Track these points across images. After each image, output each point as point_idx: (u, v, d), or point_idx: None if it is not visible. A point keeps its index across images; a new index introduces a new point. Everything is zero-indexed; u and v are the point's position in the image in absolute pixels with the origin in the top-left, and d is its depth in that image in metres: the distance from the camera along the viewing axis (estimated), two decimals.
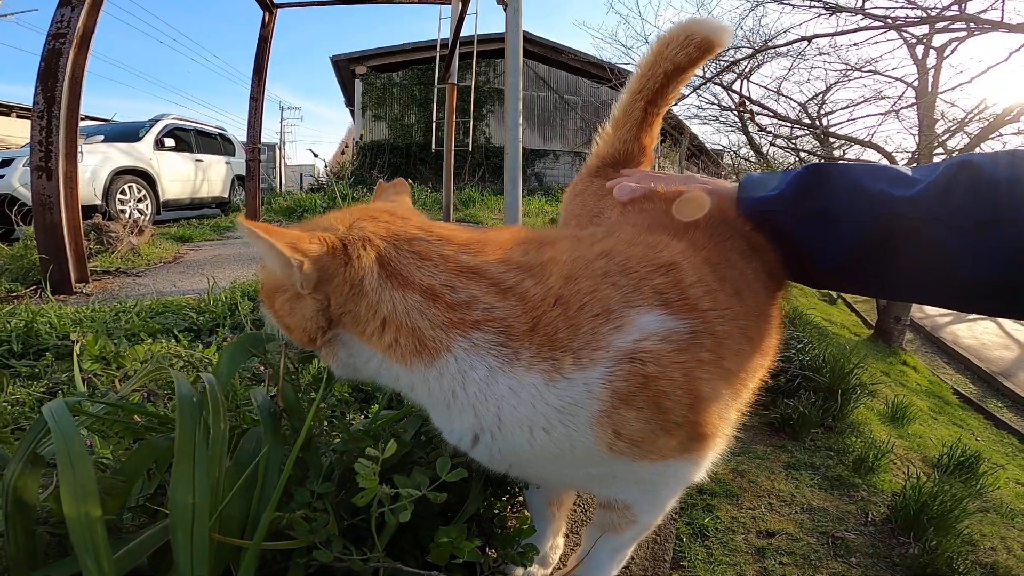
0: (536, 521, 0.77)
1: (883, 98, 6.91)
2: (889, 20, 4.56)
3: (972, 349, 7.43)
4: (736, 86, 7.47)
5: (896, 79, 6.39)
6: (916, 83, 5.94)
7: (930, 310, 10.39)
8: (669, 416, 0.51)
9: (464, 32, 6.11)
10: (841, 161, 8.63)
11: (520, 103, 3.41)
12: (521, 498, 0.86)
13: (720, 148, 18.01)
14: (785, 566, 1.24)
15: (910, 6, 4.46)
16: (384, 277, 0.51)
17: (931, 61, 5.70)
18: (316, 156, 5.95)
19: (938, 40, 5.33)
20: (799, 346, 2.48)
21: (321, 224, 0.56)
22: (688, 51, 0.79)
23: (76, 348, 1.31)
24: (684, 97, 7.77)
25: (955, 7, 4.15)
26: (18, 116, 16.59)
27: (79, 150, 5.26)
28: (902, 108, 6.45)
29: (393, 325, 0.50)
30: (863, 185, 0.56)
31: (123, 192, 5.84)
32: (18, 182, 4.95)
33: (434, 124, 7.15)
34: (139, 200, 6.13)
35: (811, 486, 1.65)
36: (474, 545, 0.60)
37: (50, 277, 2.54)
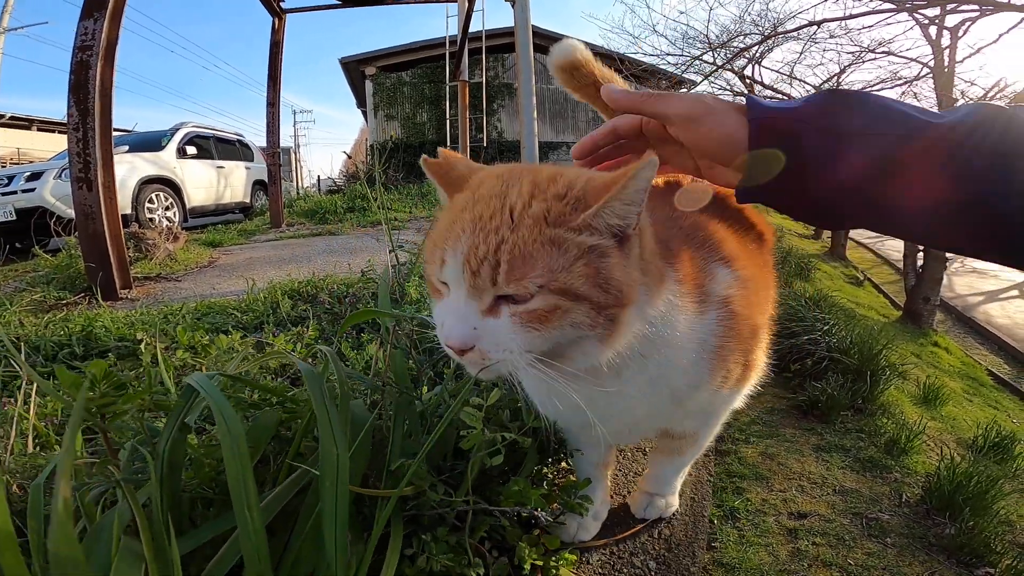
0: (588, 476, 0.86)
1: (899, 79, 6.78)
2: (900, 2, 4.47)
3: (1005, 329, 7.25)
4: (748, 71, 7.40)
5: (911, 59, 6.25)
6: (932, 63, 5.81)
7: (960, 289, 10.12)
8: (742, 344, 0.69)
9: (471, 28, 6.15)
10: None
11: (533, 98, 3.45)
12: (564, 464, 0.93)
13: None
14: (818, 546, 1.24)
15: None
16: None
17: (945, 41, 5.57)
18: (349, 157, 6.07)
19: (951, 20, 5.21)
20: (825, 328, 2.47)
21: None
22: (572, 77, 0.87)
23: (142, 347, 1.40)
24: (696, 85, 7.70)
25: None
26: (39, 129, 17.02)
27: None
28: (918, 87, 6.32)
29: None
30: (888, 105, 0.53)
31: (151, 201, 6.01)
32: (49, 194, 5.08)
33: (448, 121, 7.21)
34: (167, 208, 6.29)
35: (842, 468, 1.64)
36: (539, 493, 0.71)
37: (99, 282, 2.66)
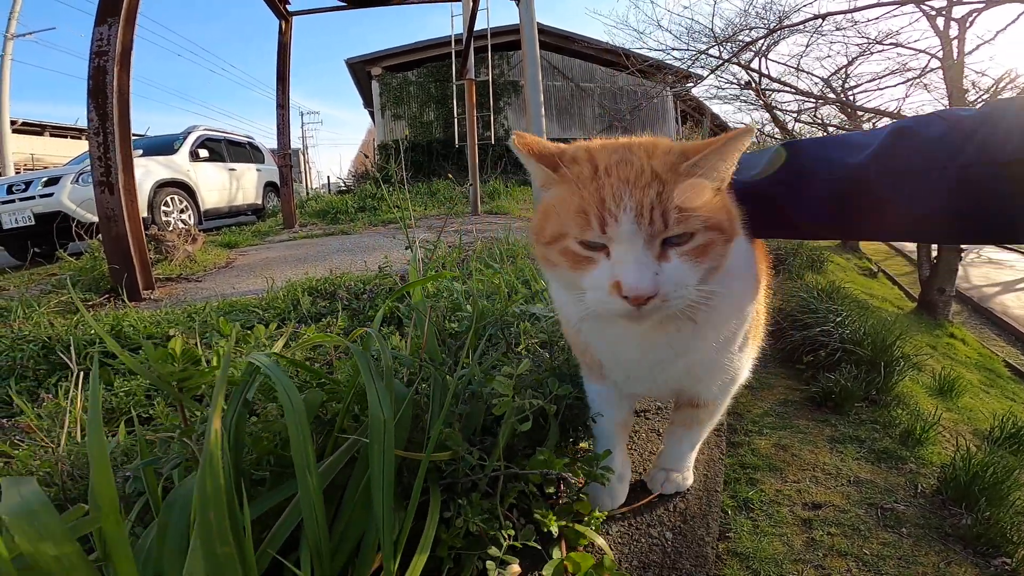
0: (608, 444, 0.90)
1: (908, 70, 6.71)
2: None
3: (1022, 320, 7.15)
4: (754, 64, 7.34)
5: (919, 51, 6.18)
6: (940, 54, 5.74)
7: (976, 280, 9.99)
8: (757, 308, 0.80)
9: (477, 27, 6.18)
10: None
11: (540, 95, 3.46)
12: (584, 445, 1.01)
13: (743, 126, 17.54)
14: (833, 536, 1.25)
15: None
16: None
17: (953, 32, 5.50)
18: (367, 156, 6.16)
19: (958, 11, 5.14)
20: (838, 319, 2.46)
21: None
22: None
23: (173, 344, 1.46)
24: (703, 78, 7.66)
25: None
26: (51, 135, 17.23)
27: None
28: (928, 81, 6.25)
29: None
30: (826, 154, 0.72)
31: (166, 204, 6.09)
32: (68, 199, 5.16)
33: (455, 120, 7.23)
34: (182, 211, 6.37)
35: (857, 459, 1.64)
36: (564, 461, 0.76)
37: (121, 286, 2.73)
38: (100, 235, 2.82)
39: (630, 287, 0.57)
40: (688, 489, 1.01)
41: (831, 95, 8.02)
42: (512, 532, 0.69)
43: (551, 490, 0.83)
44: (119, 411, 1.34)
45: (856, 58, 7.18)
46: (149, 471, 0.64)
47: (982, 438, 2.23)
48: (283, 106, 5.82)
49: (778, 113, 9.94)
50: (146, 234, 3.50)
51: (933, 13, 5.31)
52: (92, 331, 1.89)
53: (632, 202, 0.58)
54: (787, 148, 0.77)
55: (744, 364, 0.84)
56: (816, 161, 0.72)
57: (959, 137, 0.59)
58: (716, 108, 13.43)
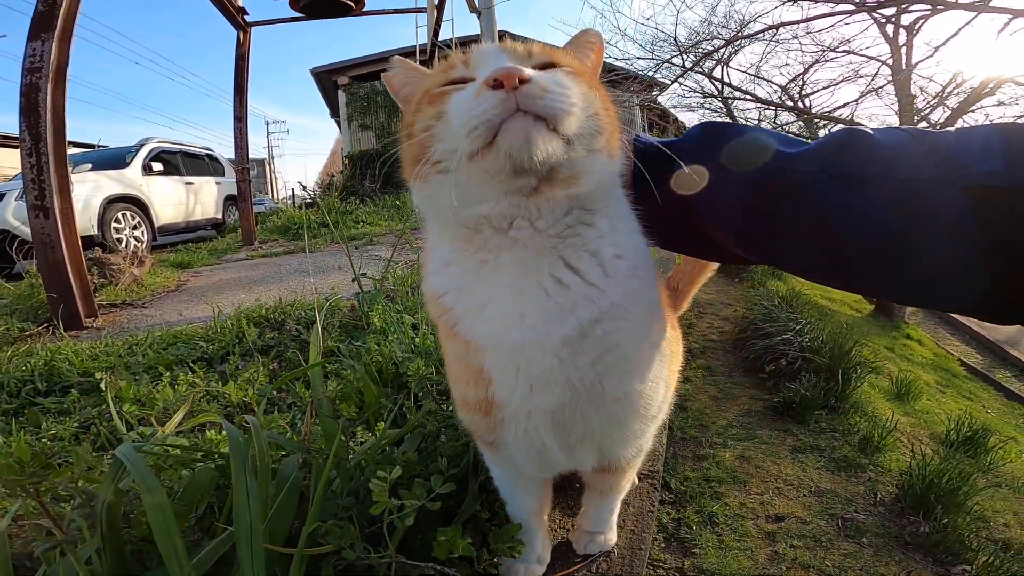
0: (525, 532, 0.83)
1: (861, 76, 6.99)
2: (857, 3, 4.63)
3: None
4: (716, 72, 7.54)
5: (870, 58, 6.46)
6: (891, 61, 6.01)
7: None
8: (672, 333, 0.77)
9: (442, 36, 6.15)
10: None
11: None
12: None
13: None
14: (796, 549, 1.26)
15: None
16: None
17: (902, 39, 5.77)
18: (304, 188, 6.02)
19: (907, 19, 5.41)
20: (797, 327, 2.50)
21: None
22: None
23: (103, 385, 1.37)
24: (668, 86, 7.82)
25: None
26: (1, 145, 16.34)
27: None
28: (879, 86, 6.53)
29: None
30: (756, 137, 0.59)
31: (117, 220, 5.84)
32: (12, 216, 4.91)
33: None
34: (134, 227, 6.13)
35: (818, 468, 1.66)
36: (467, 542, 0.72)
37: (60, 314, 2.57)
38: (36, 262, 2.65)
39: (501, 68, 0.49)
40: (612, 548, 0.98)
41: (788, 102, 8.30)
42: None
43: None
44: (45, 455, 1.24)
45: (811, 65, 7.46)
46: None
47: (939, 442, 2.28)
48: (240, 119, 5.66)
49: (740, 120, 10.25)
50: (89, 258, 3.32)
51: (883, 20, 5.54)
52: (25, 368, 1.77)
53: (495, 45, 0.59)
54: (712, 125, 0.65)
55: (659, 415, 0.73)
56: (746, 144, 0.59)
57: (935, 150, 0.47)
58: (682, 116, 13.77)
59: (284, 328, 2.11)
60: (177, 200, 7.17)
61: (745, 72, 7.85)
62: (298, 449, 0.78)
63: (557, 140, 0.50)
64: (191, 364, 1.85)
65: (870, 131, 0.52)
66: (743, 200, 0.57)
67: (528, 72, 0.49)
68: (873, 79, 6.72)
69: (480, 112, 0.48)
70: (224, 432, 0.78)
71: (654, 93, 8.31)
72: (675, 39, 7.00)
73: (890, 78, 6.17)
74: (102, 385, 1.43)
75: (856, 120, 7.10)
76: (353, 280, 2.21)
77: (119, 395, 1.37)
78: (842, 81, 7.64)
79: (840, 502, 1.49)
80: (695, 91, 8.51)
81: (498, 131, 0.49)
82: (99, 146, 8.72)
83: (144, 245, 6.18)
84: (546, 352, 0.56)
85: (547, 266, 0.56)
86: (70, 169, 5.85)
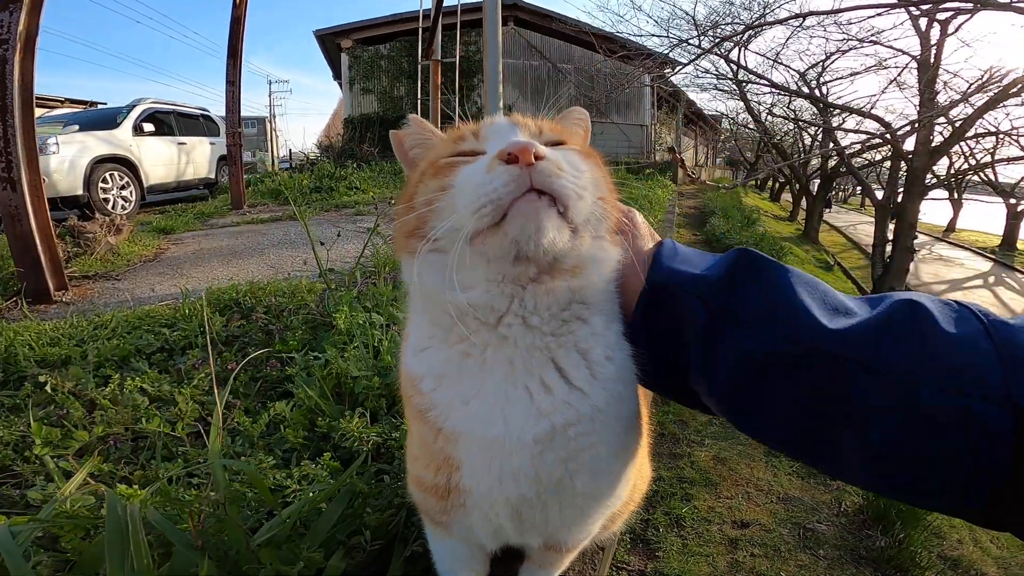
0: None
1: (885, 68, 6.74)
2: None
3: None
4: (733, 55, 7.25)
5: (899, 51, 6.21)
6: (918, 54, 5.77)
7: (926, 277, 10.30)
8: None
9: (447, 2, 5.88)
10: (835, 145, 8.45)
11: (499, 62, 3.25)
12: None
13: (718, 114, 17.65)
14: (756, 558, 1.27)
15: None
16: None
17: (935, 35, 5.52)
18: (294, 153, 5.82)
19: (943, 14, 5.16)
20: None
21: None
22: None
23: (48, 388, 1.34)
24: (683, 66, 7.55)
25: None
26: None
27: (55, 142, 5.25)
28: (902, 77, 6.30)
29: None
30: (792, 296, 0.47)
31: (105, 181, 5.81)
32: None
33: (418, 102, 6.96)
34: (122, 187, 6.09)
35: (789, 474, 1.66)
36: None
37: (29, 288, 2.53)
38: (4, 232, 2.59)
39: (516, 143, 0.46)
40: None
41: (805, 89, 8.03)
42: None
43: None
44: None
45: (833, 54, 7.19)
46: None
47: None
48: (233, 82, 5.49)
49: (753, 104, 9.96)
50: (64, 226, 3.25)
51: (917, 13, 5.30)
52: None
53: (507, 119, 0.57)
54: (749, 261, 0.52)
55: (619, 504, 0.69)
56: (776, 302, 0.47)
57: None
58: (693, 95, 13.38)
59: (252, 317, 2.06)
60: (168, 160, 7.13)
61: (764, 56, 7.55)
62: (184, 547, 0.69)
63: (565, 228, 0.48)
64: (150, 356, 1.82)
65: (933, 311, 0.42)
66: (745, 365, 0.47)
67: (543, 149, 0.47)
68: (901, 72, 6.48)
69: (491, 189, 0.46)
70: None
71: (666, 72, 8.02)
72: (693, 18, 6.72)
73: (915, 72, 5.96)
74: (47, 388, 1.41)
75: (873, 113, 6.85)
76: (319, 277, 2.15)
77: (63, 400, 1.34)
78: (864, 71, 7.40)
79: (805, 511, 1.48)
80: (709, 72, 8.24)
81: (507, 211, 0.46)
82: (93, 105, 8.55)
83: (132, 205, 6.19)
84: (522, 448, 0.54)
85: (536, 367, 0.54)
86: (57, 128, 5.79)
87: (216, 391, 0.96)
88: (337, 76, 14.45)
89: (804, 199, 13.22)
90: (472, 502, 0.59)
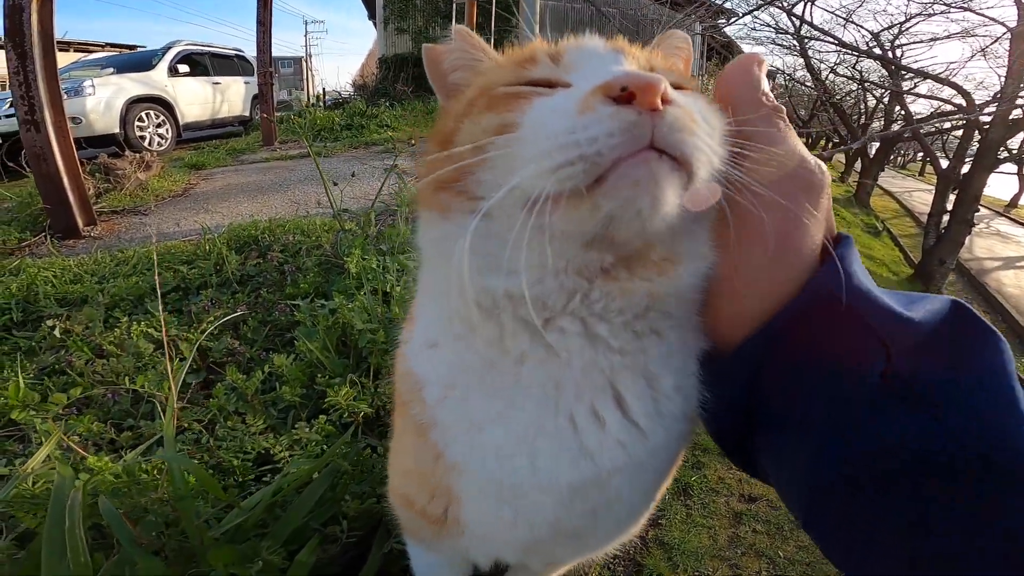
0: None
1: (972, 35, 6.05)
2: None
3: (1014, 299, 6.88)
4: (798, 9, 6.57)
5: (992, 20, 5.55)
6: (1015, 27, 5.14)
7: (979, 252, 9.52)
8: None
9: None
10: (903, 109, 7.66)
11: (537, 27, 3.07)
12: None
13: (773, 69, 16.33)
14: (757, 534, 1.26)
15: None
16: None
17: None
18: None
19: None
20: None
21: None
22: None
23: (56, 332, 1.40)
24: (740, 17, 6.94)
25: None
26: None
27: (91, 84, 5.43)
28: (992, 48, 5.64)
29: None
30: (1013, 395, 0.30)
31: (141, 119, 6.03)
32: None
33: None
34: (158, 125, 6.31)
35: None
36: None
37: (57, 224, 2.65)
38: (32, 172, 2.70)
39: (633, 75, 0.31)
40: None
41: (877, 50, 7.28)
42: None
43: None
44: None
45: (916, 16, 6.49)
46: None
47: None
48: (263, 23, 5.52)
49: (815, 62, 9.16)
50: (94, 163, 3.33)
51: None
52: (5, 293, 1.81)
53: (604, 42, 0.40)
54: (962, 318, 0.33)
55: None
56: (983, 385, 0.30)
57: None
58: (746, 47, 12.38)
59: (268, 256, 2.09)
60: (203, 99, 7.33)
61: (833, 13, 6.84)
62: (129, 543, 0.65)
63: (679, 207, 0.33)
64: (165, 295, 1.88)
65: None
66: (883, 449, 0.31)
67: (672, 91, 0.32)
68: (993, 44, 5.79)
69: (588, 138, 0.30)
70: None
71: (720, 22, 7.39)
72: None
73: (1007, 43, 5.32)
74: (56, 333, 1.47)
75: (951, 80, 6.18)
76: (333, 217, 2.14)
77: (72, 345, 1.39)
78: (947, 37, 6.65)
79: None
80: (768, 25, 7.54)
81: (607, 173, 0.31)
82: (132, 49, 8.79)
83: (168, 142, 6.45)
84: (548, 494, 0.43)
85: (590, 392, 0.40)
86: (93, 71, 6.02)
87: (170, 371, 0.94)
88: (372, 16, 14.04)
89: (860, 160, 12.35)
90: (471, 534, 0.49)
